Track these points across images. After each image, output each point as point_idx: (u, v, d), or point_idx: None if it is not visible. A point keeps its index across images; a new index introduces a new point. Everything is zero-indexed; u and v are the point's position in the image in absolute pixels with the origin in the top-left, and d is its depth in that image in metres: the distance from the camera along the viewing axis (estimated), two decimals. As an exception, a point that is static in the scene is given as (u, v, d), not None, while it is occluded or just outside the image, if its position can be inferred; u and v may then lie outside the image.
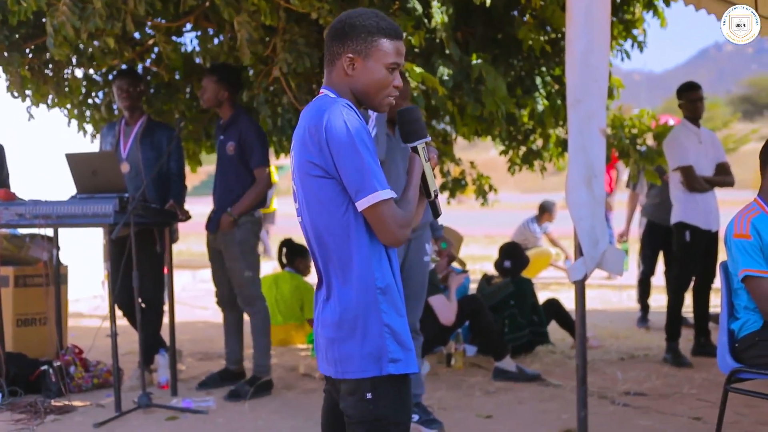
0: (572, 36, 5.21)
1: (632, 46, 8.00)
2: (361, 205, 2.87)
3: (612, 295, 12.53)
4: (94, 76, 7.93)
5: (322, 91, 3.06)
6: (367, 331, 2.92)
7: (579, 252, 5.35)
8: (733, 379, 4.59)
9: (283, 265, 9.35)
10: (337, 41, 3.01)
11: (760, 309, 4.45)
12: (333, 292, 2.97)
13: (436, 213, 3.20)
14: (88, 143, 8.73)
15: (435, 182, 3.13)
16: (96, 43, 6.77)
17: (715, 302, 8.62)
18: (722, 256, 7.79)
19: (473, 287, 9.24)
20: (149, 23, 7.05)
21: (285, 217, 19.22)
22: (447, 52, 6.33)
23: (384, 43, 2.99)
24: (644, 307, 9.76)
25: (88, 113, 8.05)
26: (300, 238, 9.45)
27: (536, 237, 14.21)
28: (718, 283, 7.84)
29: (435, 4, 6.00)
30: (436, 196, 3.14)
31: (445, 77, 6.39)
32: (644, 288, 9.76)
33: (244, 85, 7.18)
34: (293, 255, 9.31)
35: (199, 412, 6.18)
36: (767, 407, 5.82)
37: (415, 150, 3.08)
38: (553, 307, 8.41)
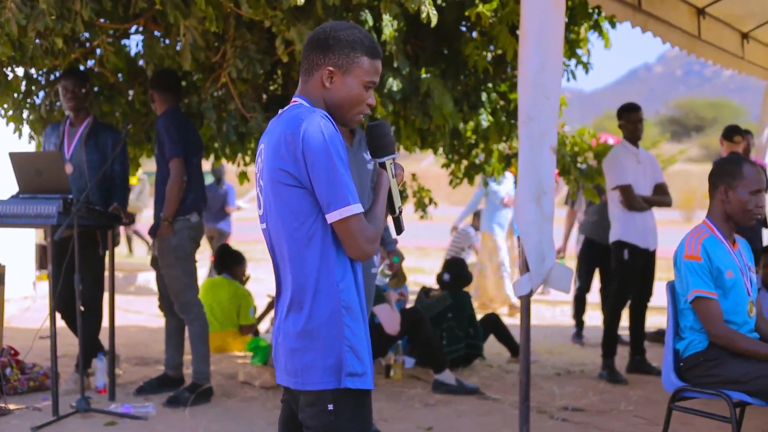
0: (525, 54, 5.27)
1: (576, 65, 8.07)
2: (332, 217, 2.87)
3: (546, 310, 12.62)
4: (36, 76, 7.79)
5: (296, 99, 3.06)
6: (329, 342, 2.91)
7: (525, 267, 5.41)
8: (677, 397, 4.67)
9: (219, 271, 9.30)
10: (319, 52, 3.01)
11: (706, 330, 4.52)
12: (295, 303, 2.95)
13: (400, 229, 3.17)
14: (26, 144, 8.57)
15: (400, 198, 3.12)
16: (38, 41, 6.63)
17: (651, 321, 8.73)
18: (659, 275, 7.91)
19: (412, 298, 9.28)
20: (98, 24, 6.96)
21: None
22: (396, 65, 6.36)
23: (365, 61, 3.01)
24: (579, 323, 9.84)
25: (26, 113, 7.90)
26: (235, 244, 9.44)
27: (470, 237, 14.22)
28: (654, 301, 8.02)
29: (386, 17, 6.02)
30: (400, 212, 3.13)
31: (394, 88, 6.42)
32: (579, 304, 9.84)
33: (189, 90, 7.13)
34: (230, 261, 9.27)
35: (139, 418, 6.12)
36: (703, 424, 5.92)
37: (382, 165, 3.08)
38: (493, 321, 8.47)
